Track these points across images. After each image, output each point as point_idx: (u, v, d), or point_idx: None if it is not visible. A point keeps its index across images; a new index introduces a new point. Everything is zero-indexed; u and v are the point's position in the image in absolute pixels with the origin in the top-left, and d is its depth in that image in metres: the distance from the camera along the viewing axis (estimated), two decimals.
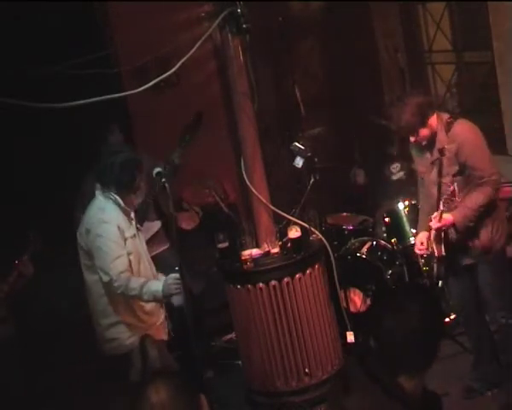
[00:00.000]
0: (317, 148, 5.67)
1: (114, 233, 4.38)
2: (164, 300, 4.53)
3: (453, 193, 4.42)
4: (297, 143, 5.37)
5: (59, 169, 6.23)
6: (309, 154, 5.34)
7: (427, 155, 4.59)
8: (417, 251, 4.79)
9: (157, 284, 4.39)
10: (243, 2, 4.77)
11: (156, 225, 5.68)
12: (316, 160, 5.47)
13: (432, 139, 4.50)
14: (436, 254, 4.63)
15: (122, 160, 4.50)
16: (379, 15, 7.35)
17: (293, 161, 5.36)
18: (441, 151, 4.39)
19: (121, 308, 4.52)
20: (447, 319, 5.66)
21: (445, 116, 4.53)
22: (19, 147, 6.18)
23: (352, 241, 6.21)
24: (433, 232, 4.58)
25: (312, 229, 5.26)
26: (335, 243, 5.75)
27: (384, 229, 6.16)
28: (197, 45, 4.56)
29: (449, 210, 4.47)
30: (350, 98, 7.39)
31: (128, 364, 4.55)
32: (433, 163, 4.53)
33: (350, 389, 2.39)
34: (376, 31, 7.45)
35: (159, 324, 4.69)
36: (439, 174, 4.46)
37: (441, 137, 4.46)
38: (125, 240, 4.44)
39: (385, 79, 7.48)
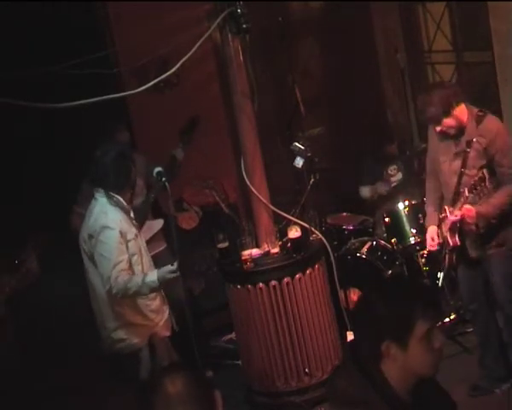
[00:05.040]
0: (317, 148, 5.67)
1: (116, 239, 4.34)
2: (161, 287, 4.47)
3: (482, 180, 4.32)
4: (297, 143, 5.38)
5: (59, 169, 6.23)
6: (309, 154, 5.35)
7: (452, 145, 4.55)
8: (430, 248, 4.77)
9: (152, 274, 4.38)
10: (243, 2, 4.78)
11: (157, 224, 5.67)
12: (316, 160, 5.47)
13: (459, 130, 4.48)
14: (451, 243, 4.59)
15: (113, 156, 4.45)
16: (379, 15, 7.35)
17: (294, 161, 5.37)
18: (468, 143, 4.40)
19: (127, 310, 4.49)
20: (447, 319, 5.66)
21: (475, 110, 4.50)
22: (21, 147, 6.18)
23: (352, 241, 6.21)
24: (448, 222, 4.53)
25: (312, 229, 5.27)
26: (335, 243, 5.75)
27: (384, 229, 6.16)
28: (197, 45, 4.56)
29: (475, 199, 4.41)
30: (350, 98, 7.39)
31: (137, 362, 4.54)
32: (457, 154, 4.51)
33: (347, 388, 2.40)
34: (376, 31, 7.45)
35: (164, 321, 4.68)
36: (463, 165, 4.44)
37: (470, 129, 4.45)
38: (128, 242, 4.40)
39: (385, 79, 7.48)
